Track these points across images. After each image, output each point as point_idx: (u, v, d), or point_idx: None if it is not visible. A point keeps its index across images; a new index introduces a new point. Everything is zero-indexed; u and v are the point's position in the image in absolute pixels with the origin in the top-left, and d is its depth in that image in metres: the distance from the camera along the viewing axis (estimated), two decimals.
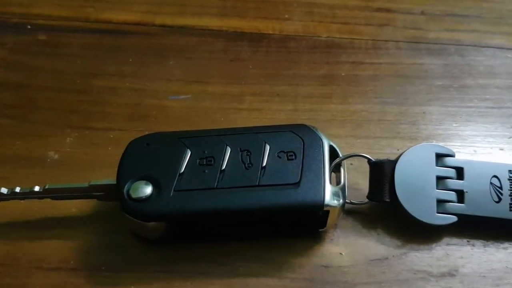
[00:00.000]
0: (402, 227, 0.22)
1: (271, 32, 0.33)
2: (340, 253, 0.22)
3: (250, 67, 0.31)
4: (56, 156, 0.25)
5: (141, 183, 0.21)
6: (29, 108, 0.28)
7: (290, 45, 0.32)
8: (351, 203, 0.22)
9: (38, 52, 0.31)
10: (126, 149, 0.22)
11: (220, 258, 0.21)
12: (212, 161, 0.21)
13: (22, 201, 0.22)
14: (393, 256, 0.22)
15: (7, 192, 0.21)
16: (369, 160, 0.22)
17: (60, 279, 0.21)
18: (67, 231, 0.22)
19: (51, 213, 0.23)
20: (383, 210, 0.23)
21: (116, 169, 0.23)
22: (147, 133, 0.26)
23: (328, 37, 0.33)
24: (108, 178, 0.22)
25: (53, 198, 0.22)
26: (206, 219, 0.20)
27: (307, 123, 0.25)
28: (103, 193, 0.22)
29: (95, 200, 0.23)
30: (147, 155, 0.22)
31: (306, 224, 0.21)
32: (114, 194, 0.21)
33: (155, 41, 0.32)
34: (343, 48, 0.32)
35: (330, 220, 0.21)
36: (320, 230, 0.22)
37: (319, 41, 0.32)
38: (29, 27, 0.33)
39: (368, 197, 0.22)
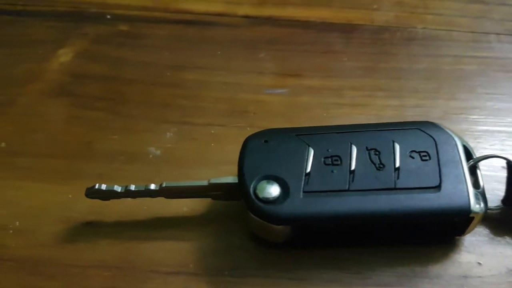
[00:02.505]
0: None
1: (362, 23, 0.31)
2: (478, 263, 0.20)
3: (345, 59, 0.29)
4: (158, 152, 0.24)
5: (266, 183, 0.19)
6: (120, 101, 0.27)
7: (384, 37, 0.30)
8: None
9: (120, 43, 0.30)
10: (244, 146, 0.20)
11: (348, 265, 0.20)
12: (339, 160, 0.20)
13: (130, 199, 0.21)
14: None
15: (121, 190, 0.20)
16: (509, 162, 0.20)
17: (181, 284, 0.19)
18: (180, 232, 0.21)
19: (161, 212, 0.21)
20: None
21: (225, 166, 0.22)
22: (248, 129, 0.26)
23: (424, 28, 0.31)
24: (218, 176, 0.21)
25: (167, 196, 0.21)
26: (339, 224, 0.19)
27: (417, 119, 0.23)
28: (221, 192, 0.20)
29: (207, 199, 0.22)
30: (267, 153, 0.20)
31: (443, 231, 0.20)
32: (233, 194, 0.20)
33: (241, 32, 0.31)
34: (441, 40, 0.30)
35: (470, 227, 0.19)
36: (456, 237, 0.20)
37: (415, 32, 0.31)
38: (108, 17, 0.32)
39: (503, 202, 0.21)
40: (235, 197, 0.20)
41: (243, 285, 0.19)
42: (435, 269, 0.20)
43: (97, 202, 0.21)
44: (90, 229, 0.21)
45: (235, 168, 0.22)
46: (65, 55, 0.30)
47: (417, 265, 0.20)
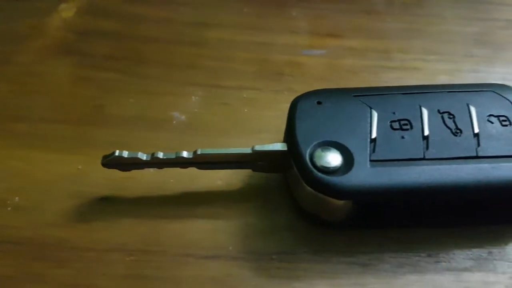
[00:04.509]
0: None
1: None
2: None
3: (388, 20, 0.26)
4: (183, 118, 0.21)
5: (324, 150, 0.16)
6: (135, 61, 0.23)
7: None
8: None
9: None
10: (292, 108, 0.17)
11: (416, 247, 0.17)
12: (408, 124, 0.17)
13: (152, 170, 0.18)
14: None
15: (147, 159, 0.17)
16: None
17: (221, 270, 0.16)
18: (216, 209, 0.18)
19: (192, 186, 0.18)
20: None
21: (263, 134, 0.19)
22: (285, 93, 0.22)
23: None
24: (259, 143, 0.17)
25: (200, 167, 0.17)
26: (415, 197, 0.16)
27: None
28: (266, 162, 0.17)
29: (243, 171, 0.18)
30: (322, 116, 0.17)
31: None
32: (279, 164, 0.17)
33: None
34: (490, 3, 0.27)
35: None
36: None
37: None
38: None
39: None
40: (281, 168, 0.17)
41: (296, 271, 0.16)
42: None
43: (113, 174, 0.18)
44: (107, 206, 0.18)
45: (274, 136, 0.19)
46: (67, 10, 0.26)
47: (494, 247, 0.17)
